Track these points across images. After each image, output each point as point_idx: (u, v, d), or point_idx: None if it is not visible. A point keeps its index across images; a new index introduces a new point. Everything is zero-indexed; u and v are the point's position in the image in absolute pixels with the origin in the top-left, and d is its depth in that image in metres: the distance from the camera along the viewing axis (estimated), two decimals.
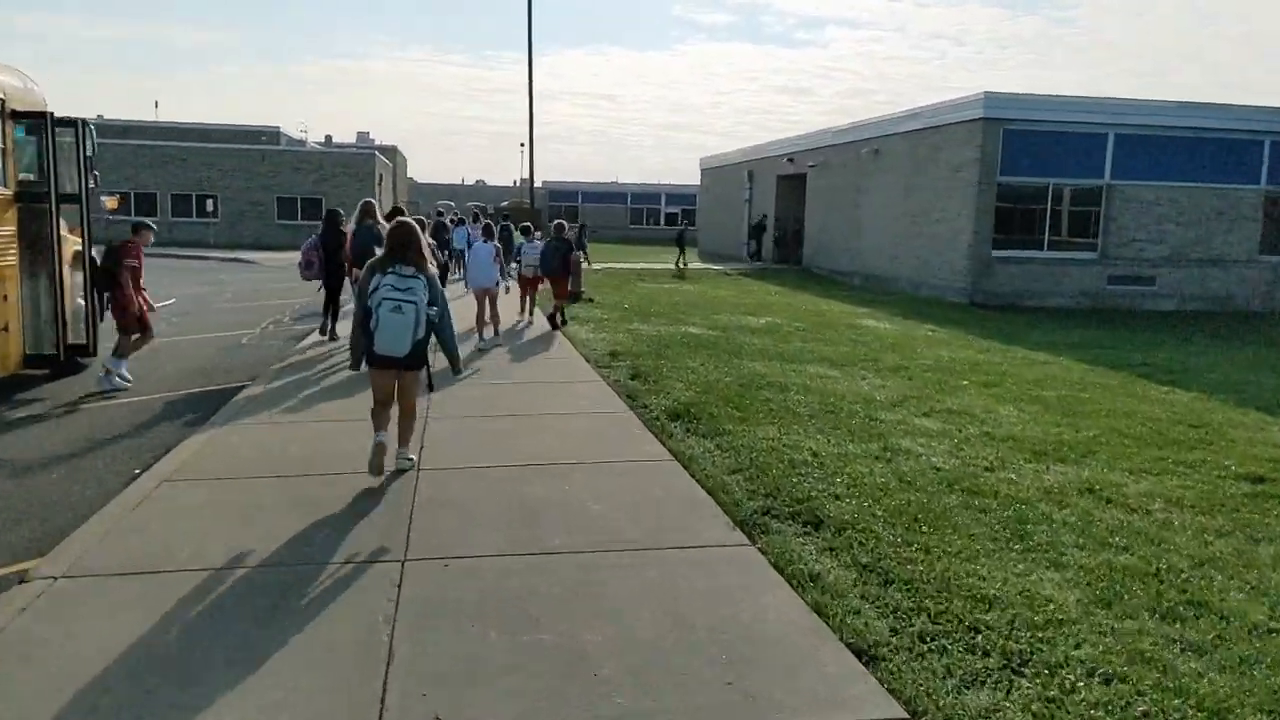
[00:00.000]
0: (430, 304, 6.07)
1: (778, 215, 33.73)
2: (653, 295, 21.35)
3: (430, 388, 7.12)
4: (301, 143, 59.06)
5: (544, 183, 76.03)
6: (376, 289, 5.94)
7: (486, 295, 12.86)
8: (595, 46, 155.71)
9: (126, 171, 43.43)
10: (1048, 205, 21.71)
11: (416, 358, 6.16)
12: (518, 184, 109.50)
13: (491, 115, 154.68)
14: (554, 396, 9.48)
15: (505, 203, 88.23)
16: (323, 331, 13.12)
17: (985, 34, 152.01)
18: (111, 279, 9.88)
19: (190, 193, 44.04)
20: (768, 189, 34.58)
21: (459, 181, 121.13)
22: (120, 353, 9.90)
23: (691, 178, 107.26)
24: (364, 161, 45.96)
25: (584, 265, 20.00)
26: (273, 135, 57.54)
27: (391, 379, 6.26)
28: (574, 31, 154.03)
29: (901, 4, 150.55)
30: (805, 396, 9.45)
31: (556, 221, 16.43)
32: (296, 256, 13.92)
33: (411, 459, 6.61)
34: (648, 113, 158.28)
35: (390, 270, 5.96)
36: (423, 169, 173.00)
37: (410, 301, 5.91)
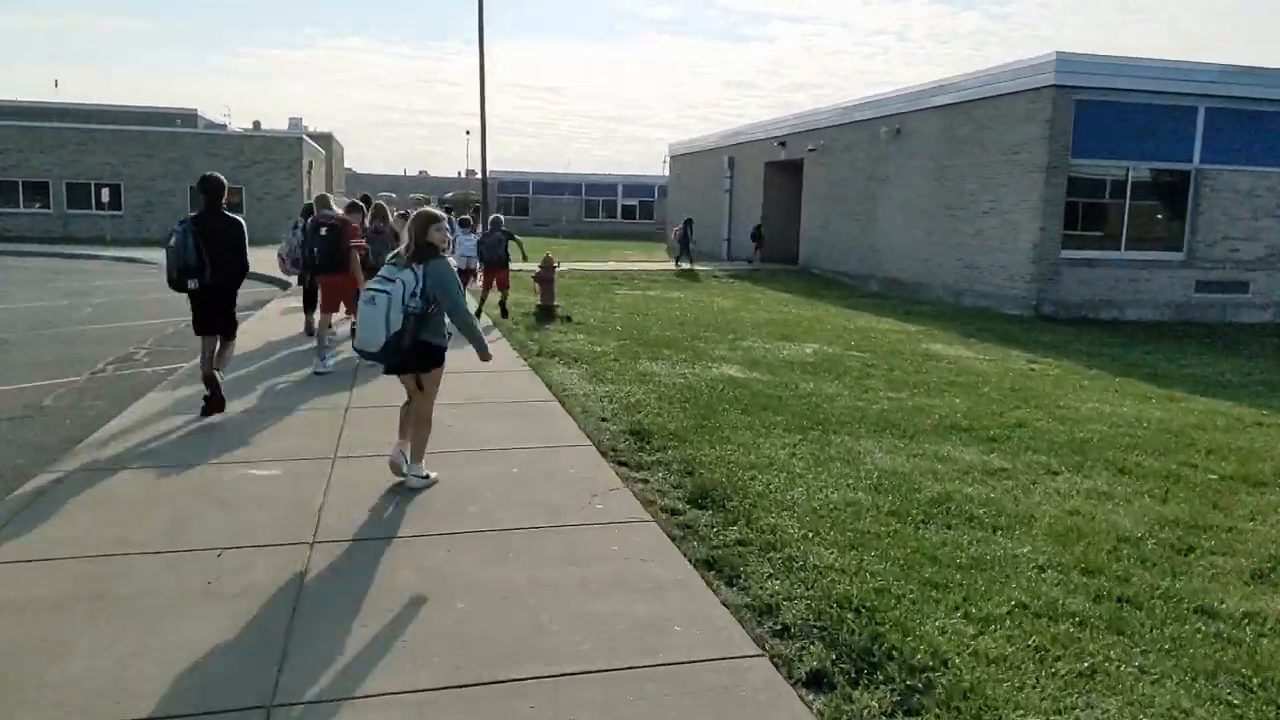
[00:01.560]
0: (413, 295, 5.48)
1: (764, 209, 29.43)
2: (643, 308, 16.91)
3: (420, 386, 5.92)
4: (222, 127, 53.35)
5: (491, 173, 71.05)
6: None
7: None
8: (538, 39, 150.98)
9: (14, 157, 37.79)
10: (1126, 196, 17.67)
11: (413, 355, 5.63)
12: (462, 175, 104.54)
13: (435, 106, 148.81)
14: (550, 564, 4.94)
15: (450, 194, 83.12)
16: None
17: (926, 30, 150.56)
18: None
19: (89, 181, 38.49)
20: (753, 178, 30.29)
21: (400, 172, 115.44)
22: None
23: (641, 168, 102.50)
24: (289, 146, 40.74)
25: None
26: (189, 118, 51.80)
27: (409, 379, 5.83)
28: (517, 23, 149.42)
29: (845, 0, 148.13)
30: (1044, 553, 5.10)
31: (494, 216, 16.37)
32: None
33: (428, 477, 5.87)
34: (593, 105, 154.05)
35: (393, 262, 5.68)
36: (363, 159, 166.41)
37: (384, 292, 5.41)
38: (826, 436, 7.36)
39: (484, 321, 13.81)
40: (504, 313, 14.97)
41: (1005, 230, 18.00)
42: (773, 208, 29.37)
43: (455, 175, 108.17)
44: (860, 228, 23.37)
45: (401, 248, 5.78)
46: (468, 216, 19.33)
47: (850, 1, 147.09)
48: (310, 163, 43.22)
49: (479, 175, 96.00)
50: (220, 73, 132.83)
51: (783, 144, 27.64)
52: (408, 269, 5.51)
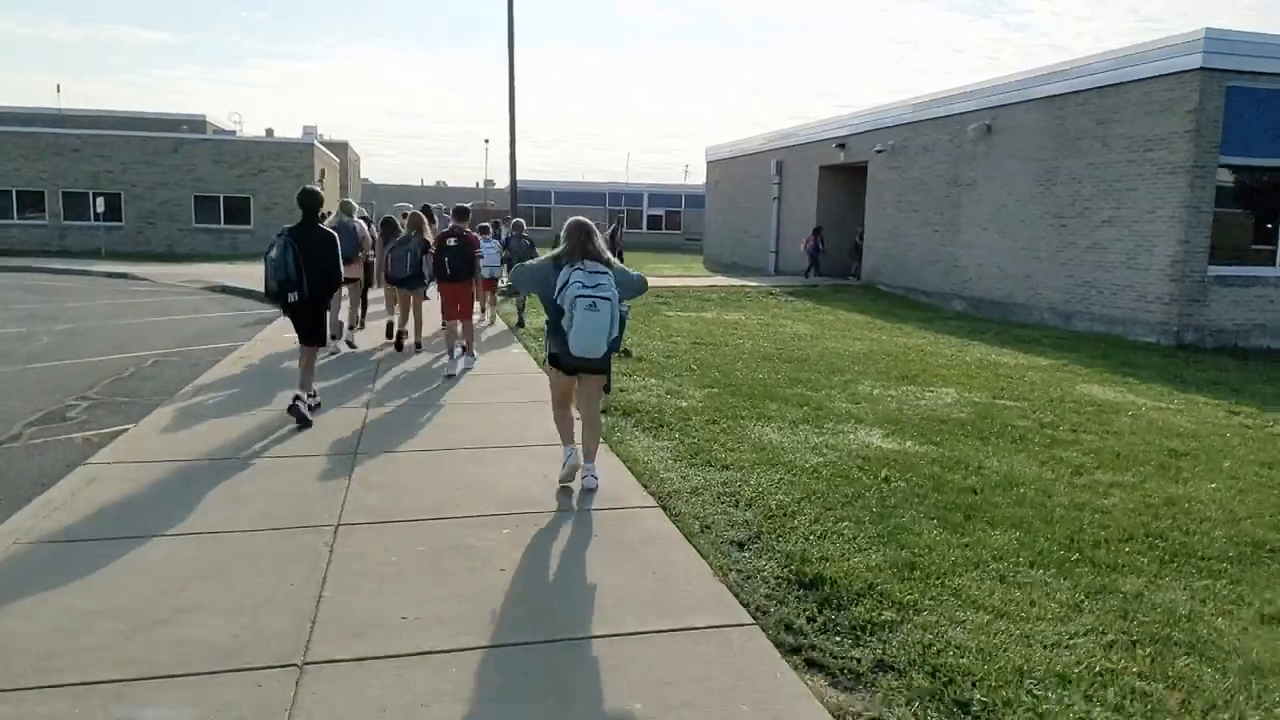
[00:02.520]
0: (620, 300, 5.50)
1: (819, 218, 26.62)
2: (709, 336, 14.15)
3: (607, 388, 6.11)
4: (231, 134, 50.98)
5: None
6: (566, 284, 5.37)
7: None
8: (553, 48, 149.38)
9: (6, 165, 35.46)
10: None
11: (608, 359, 5.67)
12: (480, 185, 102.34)
13: (452, 115, 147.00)
14: None
15: (469, 204, 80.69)
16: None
17: (942, 39, 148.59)
18: None
19: (86, 190, 36.13)
20: (806, 184, 27.50)
21: (418, 182, 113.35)
22: None
23: (658, 176, 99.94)
24: (299, 153, 38.25)
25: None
26: (196, 124, 49.47)
27: (572, 380, 5.83)
28: (533, 33, 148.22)
29: (860, 9, 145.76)
30: None
31: (515, 220, 16.17)
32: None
33: (596, 478, 5.83)
34: (607, 112, 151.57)
35: (577, 265, 5.43)
36: (381, 169, 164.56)
37: (605, 298, 5.34)
38: (1106, 579, 4.56)
39: (515, 347, 12.86)
40: (520, 321, 15.04)
41: (1133, 242, 15.15)
42: (829, 216, 26.56)
43: (473, 185, 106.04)
44: (939, 239, 20.54)
45: (568, 248, 5.57)
46: (487, 224, 17.10)
47: (865, 10, 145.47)
48: (323, 170, 40.76)
49: (497, 184, 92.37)
50: (236, 85, 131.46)
51: (842, 146, 24.84)
52: (604, 274, 5.43)
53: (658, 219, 67.59)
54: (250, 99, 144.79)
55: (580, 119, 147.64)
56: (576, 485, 5.83)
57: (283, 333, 12.77)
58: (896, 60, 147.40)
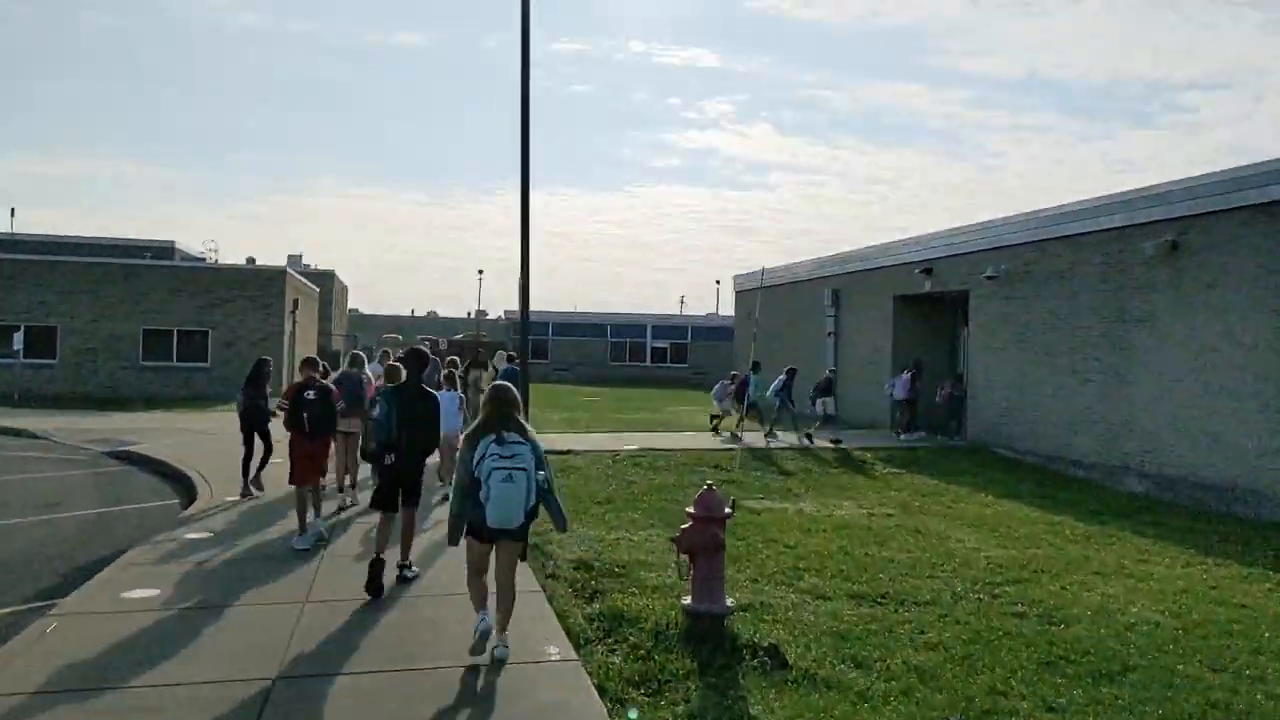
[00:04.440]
0: (538, 468, 5.67)
1: (894, 358, 21.50)
2: (855, 572, 8.59)
3: (523, 556, 6.16)
4: (201, 260, 46.35)
5: (505, 313, 64.10)
6: (483, 457, 5.56)
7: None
8: (551, 188, 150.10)
9: None
10: None
11: (525, 528, 5.79)
12: (472, 315, 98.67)
13: (445, 250, 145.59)
14: None
15: (459, 335, 76.27)
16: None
17: (920, 179, 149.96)
18: None
19: (18, 323, 30.98)
20: (872, 318, 22.53)
21: (408, 313, 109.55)
22: None
23: (652, 306, 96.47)
24: (268, 281, 33.38)
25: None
26: (163, 252, 44.74)
27: (489, 549, 5.84)
28: (533, 174, 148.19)
29: (842, 150, 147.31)
30: None
31: (500, 352, 17.01)
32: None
33: (509, 647, 5.82)
34: (602, 250, 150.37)
35: (493, 436, 5.62)
36: (372, 301, 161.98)
37: (521, 468, 5.55)
38: None
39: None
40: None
41: None
42: (907, 357, 21.45)
43: (465, 315, 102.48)
44: (1096, 392, 15.32)
45: (484, 418, 5.78)
46: (454, 366, 14.30)
47: (847, 152, 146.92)
48: (296, 300, 35.81)
49: (489, 315, 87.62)
50: (237, 219, 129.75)
51: (928, 271, 19.95)
52: (521, 445, 5.62)
53: (662, 352, 62.70)
54: (246, 233, 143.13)
55: (575, 254, 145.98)
56: (487, 655, 5.75)
57: (130, 590, 7.32)
58: (878, 199, 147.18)
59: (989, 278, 17.75)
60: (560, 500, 5.94)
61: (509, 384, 6.05)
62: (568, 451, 16.49)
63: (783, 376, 19.93)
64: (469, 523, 5.78)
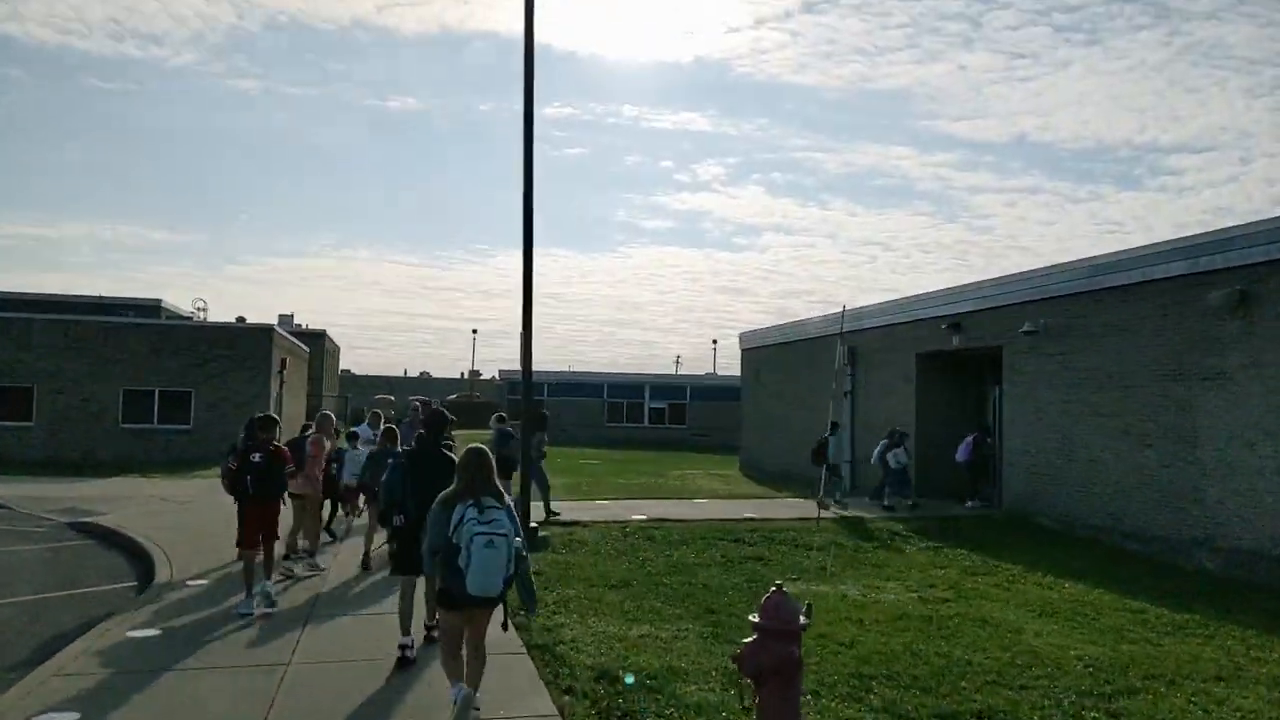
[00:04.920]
0: (515, 534, 5.58)
1: (920, 420, 20.13)
2: (943, 686, 7.11)
3: (505, 626, 6.01)
4: (188, 319, 45.00)
5: (500, 373, 62.69)
6: (461, 522, 5.42)
7: None
8: (543, 249, 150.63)
9: None
10: None
11: (504, 595, 5.66)
12: (465, 375, 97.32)
13: (439, 311, 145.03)
14: None
15: (453, 396, 74.76)
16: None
17: (911, 240, 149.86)
18: None
19: None
20: (891, 376, 21.22)
21: (400, 374, 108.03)
22: None
23: (645, 367, 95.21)
24: (255, 340, 32.05)
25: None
26: (149, 310, 43.44)
27: (464, 620, 5.70)
28: (520, 235, 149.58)
29: (833, 213, 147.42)
30: None
31: (497, 414, 15.45)
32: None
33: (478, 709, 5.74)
34: (593, 310, 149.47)
35: (470, 502, 5.50)
36: (366, 363, 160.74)
37: (501, 534, 5.43)
38: None
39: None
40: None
41: None
42: (930, 418, 20.11)
43: (458, 376, 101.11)
44: (1156, 456, 13.94)
45: (462, 482, 5.68)
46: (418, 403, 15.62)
47: (838, 215, 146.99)
48: (284, 360, 34.45)
49: (483, 375, 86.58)
50: (232, 280, 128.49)
51: (955, 326, 18.69)
52: (498, 509, 5.52)
53: (660, 413, 61.14)
54: (242, 295, 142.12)
55: (567, 315, 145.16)
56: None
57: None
58: (869, 260, 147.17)
59: (1027, 333, 16.48)
60: (530, 576, 5.82)
61: (484, 448, 5.88)
62: (573, 523, 15.02)
63: (885, 440, 18.58)
64: (443, 594, 5.66)
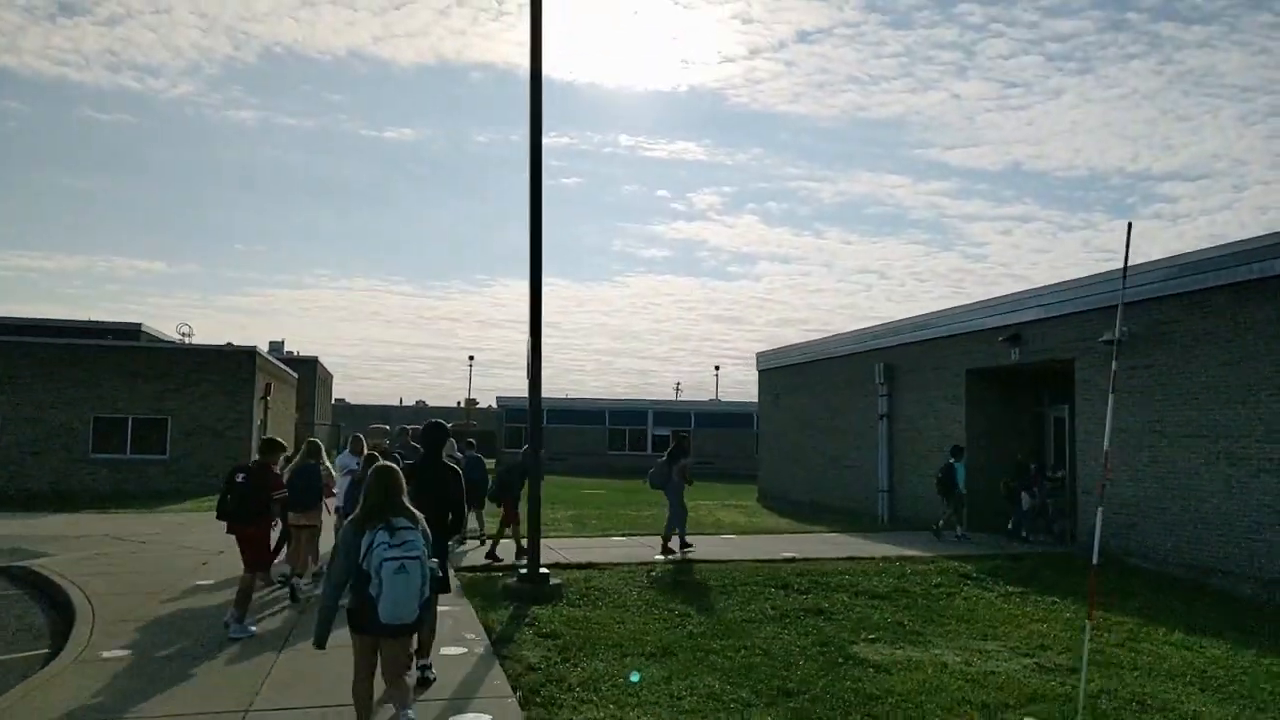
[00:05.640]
0: (431, 557, 5.29)
1: (970, 441, 17.97)
2: None
3: (420, 653, 6.23)
4: (170, 344, 42.69)
5: (499, 399, 60.48)
6: (371, 547, 5.06)
7: None
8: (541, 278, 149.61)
9: None
10: None
11: (420, 621, 5.39)
12: (461, 404, 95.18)
13: (435, 341, 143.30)
14: None
15: (450, 424, 72.55)
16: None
17: (905, 269, 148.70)
18: None
19: None
20: (937, 395, 19.09)
21: (396, 402, 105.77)
22: None
23: (642, 394, 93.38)
24: (236, 363, 29.89)
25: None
26: (127, 334, 41.19)
27: (375, 643, 5.26)
28: (519, 264, 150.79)
29: (828, 242, 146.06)
30: None
31: (467, 439, 14.23)
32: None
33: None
34: (589, 339, 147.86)
35: (380, 525, 5.14)
36: (360, 392, 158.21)
37: (413, 557, 5.10)
38: None
39: None
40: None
41: None
42: (980, 441, 17.96)
43: (454, 405, 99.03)
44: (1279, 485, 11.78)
45: (370, 504, 5.29)
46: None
47: (833, 244, 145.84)
48: (268, 385, 32.25)
49: (479, 404, 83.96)
50: (227, 310, 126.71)
51: (1014, 338, 16.59)
52: (412, 531, 5.22)
53: (663, 440, 58.54)
54: (236, 325, 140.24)
55: (564, 344, 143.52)
56: None
57: None
58: (864, 288, 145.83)
59: (1107, 342, 14.37)
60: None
61: (393, 465, 5.54)
62: (588, 565, 12.81)
63: (951, 459, 16.65)
64: (354, 619, 5.25)
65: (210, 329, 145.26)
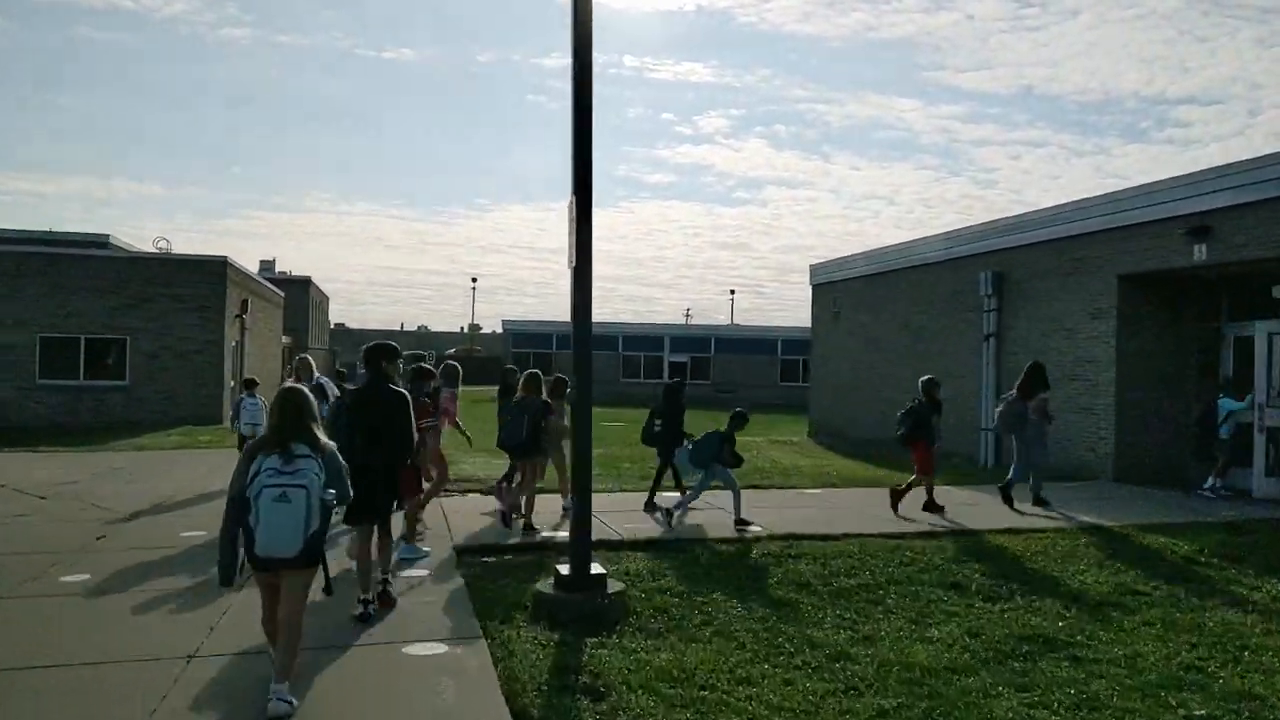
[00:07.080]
0: (327, 487, 4.72)
1: (1119, 376, 13.89)
2: None
3: (328, 590, 5.10)
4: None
5: (504, 323, 56.43)
6: (256, 474, 4.62)
7: None
8: (545, 205, 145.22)
9: None
10: None
11: (310, 555, 4.67)
12: (465, 329, 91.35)
13: (439, 267, 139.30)
14: None
15: (452, 350, 68.60)
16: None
17: (914, 195, 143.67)
18: None
19: None
20: (1064, 310, 14.94)
21: (398, 327, 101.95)
22: None
23: (649, 316, 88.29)
24: (205, 275, 25.78)
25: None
26: (94, 246, 36.86)
27: (274, 579, 4.76)
28: (522, 189, 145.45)
29: (836, 166, 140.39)
30: None
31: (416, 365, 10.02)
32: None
33: (289, 702, 4.60)
34: (596, 266, 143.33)
35: (275, 450, 4.70)
36: (363, 316, 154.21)
37: (298, 485, 4.61)
38: None
39: None
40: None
41: None
42: (1137, 371, 13.87)
43: (458, 330, 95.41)
44: None
45: (270, 427, 4.94)
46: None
47: (840, 168, 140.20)
48: (245, 301, 28.08)
49: (482, 329, 79.84)
50: (226, 235, 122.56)
51: (1200, 230, 12.37)
52: (308, 459, 4.71)
53: (680, 367, 54.60)
54: (234, 249, 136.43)
55: (562, 271, 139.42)
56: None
57: None
58: (872, 214, 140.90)
59: None
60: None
61: (300, 388, 5.01)
62: (647, 545, 8.86)
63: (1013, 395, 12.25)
64: (247, 552, 4.68)
65: (209, 253, 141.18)
